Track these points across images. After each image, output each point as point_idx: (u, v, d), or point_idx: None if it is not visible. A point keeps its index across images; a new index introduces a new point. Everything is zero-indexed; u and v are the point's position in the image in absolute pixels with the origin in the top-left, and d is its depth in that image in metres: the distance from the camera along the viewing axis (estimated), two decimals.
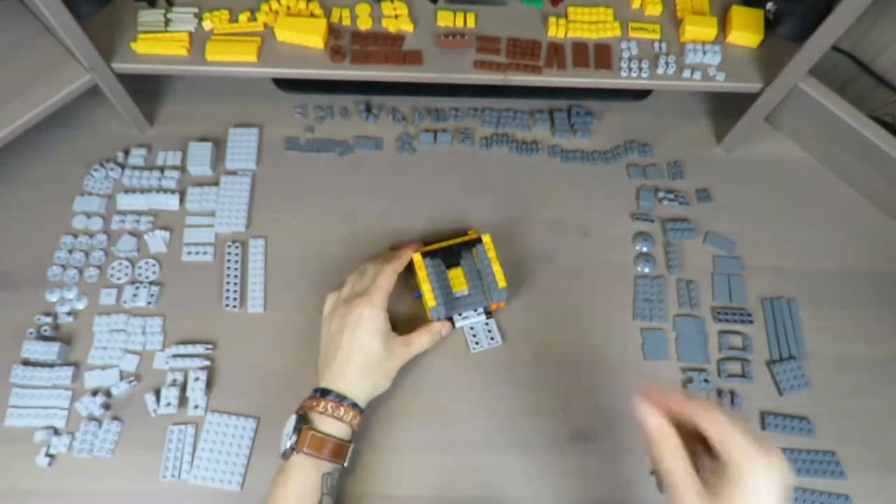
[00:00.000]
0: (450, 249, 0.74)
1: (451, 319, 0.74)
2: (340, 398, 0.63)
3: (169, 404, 0.70)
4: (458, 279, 0.73)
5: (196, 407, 0.70)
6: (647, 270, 0.80)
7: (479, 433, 0.71)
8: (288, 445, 0.61)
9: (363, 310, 0.66)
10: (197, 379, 0.71)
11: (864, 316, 0.78)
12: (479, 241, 0.73)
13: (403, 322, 0.74)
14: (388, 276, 0.69)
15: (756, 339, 0.76)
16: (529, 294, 0.78)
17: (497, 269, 0.71)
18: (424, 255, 0.73)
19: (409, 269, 0.73)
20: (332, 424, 0.62)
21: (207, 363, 0.72)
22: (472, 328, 0.75)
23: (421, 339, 0.70)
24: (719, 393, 0.73)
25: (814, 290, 0.79)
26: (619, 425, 0.72)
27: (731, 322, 0.77)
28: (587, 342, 0.75)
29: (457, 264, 0.74)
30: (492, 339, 0.75)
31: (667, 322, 0.77)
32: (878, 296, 0.79)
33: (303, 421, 0.62)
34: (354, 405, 0.64)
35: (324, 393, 0.64)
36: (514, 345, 0.75)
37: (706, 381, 0.73)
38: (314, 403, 0.63)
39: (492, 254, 0.72)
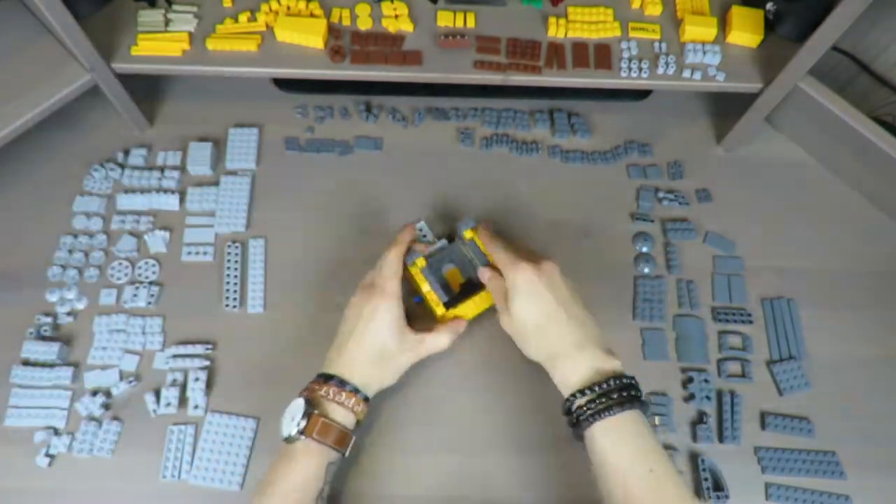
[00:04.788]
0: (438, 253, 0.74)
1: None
2: (344, 384, 0.63)
3: (169, 404, 0.70)
4: (454, 276, 0.73)
5: (196, 407, 0.70)
6: (647, 270, 0.79)
7: (479, 433, 0.71)
8: (294, 430, 0.60)
9: (378, 302, 0.66)
10: (197, 379, 0.71)
11: (864, 316, 0.78)
12: (466, 241, 0.73)
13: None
14: (391, 263, 0.68)
15: (756, 339, 0.76)
16: None
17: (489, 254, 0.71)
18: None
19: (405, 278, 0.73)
20: (341, 412, 0.62)
21: (207, 363, 0.72)
22: None
23: (438, 340, 0.69)
24: (719, 393, 0.73)
25: (814, 290, 0.79)
26: None
27: (731, 322, 0.77)
28: None
29: (451, 262, 0.74)
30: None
31: (667, 322, 0.77)
32: (878, 296, 0.79)
33: (311, 406, 0.61)
34: (362, 394, 0.64)
35: (337, 381, 0.63)
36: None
37: (706, 381, 0.73)
38: (326, 390, 0.62)
39: (480, 244, 0.72)
